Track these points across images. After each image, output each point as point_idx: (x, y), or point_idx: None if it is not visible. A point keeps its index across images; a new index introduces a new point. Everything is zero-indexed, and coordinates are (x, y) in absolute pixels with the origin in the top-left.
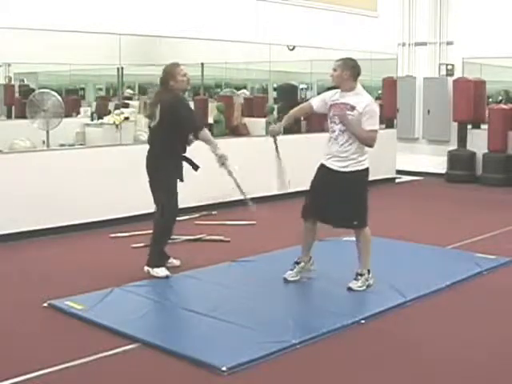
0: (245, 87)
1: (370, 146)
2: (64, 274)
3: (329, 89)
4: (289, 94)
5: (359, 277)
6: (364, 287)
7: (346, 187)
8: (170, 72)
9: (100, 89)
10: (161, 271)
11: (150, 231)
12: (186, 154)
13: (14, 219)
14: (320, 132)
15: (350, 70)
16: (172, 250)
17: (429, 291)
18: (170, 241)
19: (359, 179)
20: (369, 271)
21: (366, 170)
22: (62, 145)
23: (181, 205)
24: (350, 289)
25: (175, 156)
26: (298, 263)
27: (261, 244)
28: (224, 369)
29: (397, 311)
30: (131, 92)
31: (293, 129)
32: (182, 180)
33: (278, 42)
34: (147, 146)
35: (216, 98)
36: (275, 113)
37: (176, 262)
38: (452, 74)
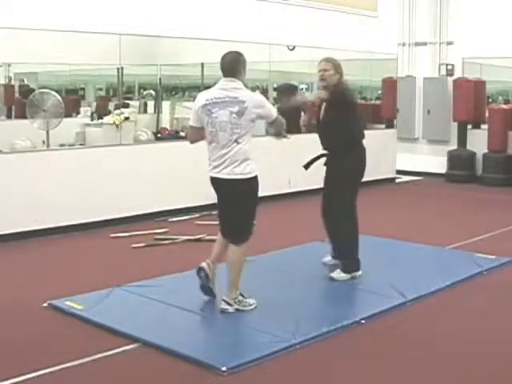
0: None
1: None
2: (64, 273)
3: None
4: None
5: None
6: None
7: None
8: None
9: (100, 89)
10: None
11: (150, 231)
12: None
13: (14, 219)
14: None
15: None
16: (172, 249)
17: (429, 291)
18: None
19: None
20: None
21: (211, 179)
22: (62, 145)
23: (181, 205)
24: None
25: None
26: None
27: (261, 244)
28: (224, 369)
29: (397, 311)
30: (150, 92)
31: (291, 130)
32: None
33: (278, 41)
34: (147, 146)
35: None
36: None
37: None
38: (452, 74)
